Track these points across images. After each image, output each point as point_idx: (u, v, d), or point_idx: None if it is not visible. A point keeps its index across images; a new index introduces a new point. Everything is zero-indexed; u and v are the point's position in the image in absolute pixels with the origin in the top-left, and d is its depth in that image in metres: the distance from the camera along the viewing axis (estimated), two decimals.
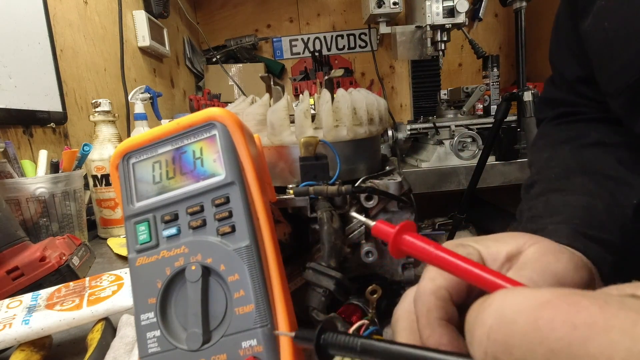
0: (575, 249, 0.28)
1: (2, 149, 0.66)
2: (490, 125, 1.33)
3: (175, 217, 0.28)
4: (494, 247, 0.25)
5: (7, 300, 0.40)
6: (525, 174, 1.43)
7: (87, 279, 0.44)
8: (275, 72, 2.28)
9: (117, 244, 0.74)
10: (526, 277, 0.22)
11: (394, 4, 1.72)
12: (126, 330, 0.38)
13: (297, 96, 2.08)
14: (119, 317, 0.40)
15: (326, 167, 0.40)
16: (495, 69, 1.63)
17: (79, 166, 0.75)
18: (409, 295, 0.27)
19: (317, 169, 0.40)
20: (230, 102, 0.61)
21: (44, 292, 0.41)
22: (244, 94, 1.79)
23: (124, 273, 0.44)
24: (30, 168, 0.71)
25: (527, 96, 1.24)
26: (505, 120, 1.26)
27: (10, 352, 0.35)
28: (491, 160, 1.37)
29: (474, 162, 1.33)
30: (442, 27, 1.53)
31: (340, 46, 2.36)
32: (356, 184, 0.40)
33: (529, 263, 0.24)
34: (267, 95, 0.49)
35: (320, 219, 0.36)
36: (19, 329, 0.35)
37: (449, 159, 1.43)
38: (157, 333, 0.26)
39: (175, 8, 1.90)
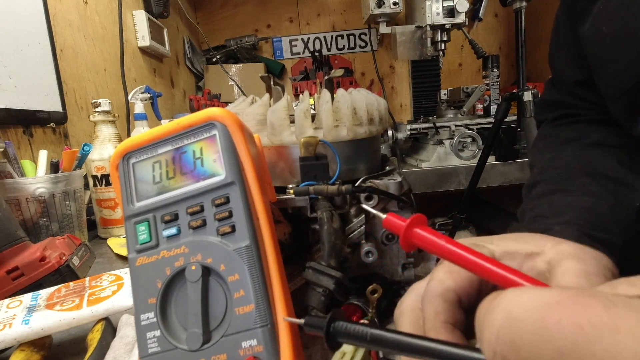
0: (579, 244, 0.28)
1: (2, 149, 0.66)
2: (490, 125, 1.33)
3: (175, 217, 0.28)
4: (512, 247, 0.25)
5: (7, 300, 0.40)
6: (525, 174, 1.43)
7: (87, 279, 0.44)
8: (275, 72, 2.28)
9: (117, 244, 0.74)
10: (575, 284, 0.21)
11: (394, 4, 1.72)
12: (126, 330, 0.38)
13: (297, 96, 2.08)
14: (119, 317, 0.40)
15: (326, 167, 0.40)
16: (495, 69, 1.63)
17: (79, 166, 0.75)
18: (415, 289, 0.26)
19: (317, 169, 0.40)
20: (230, 102, 0.61)
21: (44, 292, 0.41)
22: (244, 94, 1.80)
23: (124, 273, 0.44)
24: (30, 168, 0.71)
25: (527, 96, 1.24)
26: (505, 120, 1.26)
27: (10, 352, 0.35)
28: (491, 160, 1.37)
29: (474, 162, 1.33)
30: (442, 27, 1.53)
31: (340, 46, 2.36)
32: (356, 184, 0.40)
33: (570, 268, 0.22)
34: (267, 95, 0.49)
35: (320, 218, 0.36)
36: (19, 329, 0.35)
37: (449, 159, 1.43)
38: (157, 333, 0.26)
39: (175, 8, 1.90)
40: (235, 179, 0.27)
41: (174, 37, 1.91)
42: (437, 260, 0.25)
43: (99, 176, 0.79)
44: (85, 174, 0.80)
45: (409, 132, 1.51)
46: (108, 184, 0.79)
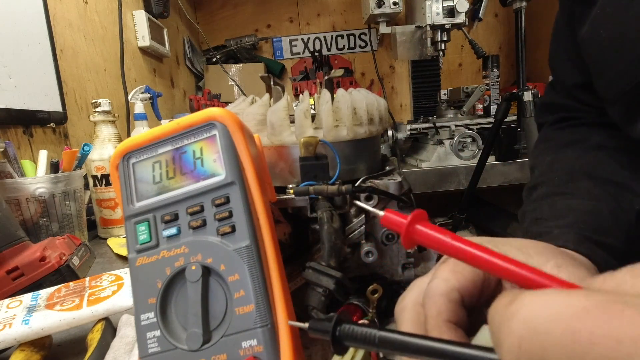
0: (581, 254, 0.28)
1: (2, 149, 0.66)
2: (490, 125, 1.33)
3: (176, 217, 0.28)
4: (515, 256, 0.24)
5: (7, 300, 0.40)
6: (525, 174, 1.44)
7: (87, 279, 0.44)
8: (275, 72, 2.28)
9: (117, 244, 0.74)
10: None
11: (394, 4, 1.72)
12: (126, 330, 0.38)
13: (297, 96, 2.08)
14: (119, 317, 0.40)
15: (326, 167, 0.40)
16: (495, 69, 1.63)
17: (79, 166, 0.75)
18: (417, 285, 0.26)
19: (317, 169, 0.40)
20: (230, 102, 0.61)
21: (44, 292, 0.41)
22: (244, 94, 1.80)
23: (124, 273, 0.44)
24: (30, 168, 0.70)
25: (527, 96, 1.24)
26: (505, 120, 1.26)
27: (10, 352, 0.35)
28: (491, 160, 1.37)
29: (474, 162, 1.33)
30: (442, 27, 1.53)
31: (340, 46, 2.35)
32: (356, 184, 0.40)
33: None
34: (267, 95, 0.49)
35: (320, 218, 0.36)
36: (19, 329, 0.35)
37: (449, 159, 1.43)
38: (157, 333, 0.26)
39: (175, 8, 1.90)
40: (235, 179, 0.27)
41: (174, 37, 1.91)
42: (438, 258, 0.25)
43: (99, 176, 0.79)
44: (85, 174, 0.80)
45: (409, 132, 1.51)
46: (108, 184, 0.79)
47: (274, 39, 2.33)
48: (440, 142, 1.43)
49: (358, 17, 2.20)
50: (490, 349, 0.15)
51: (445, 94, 1.65)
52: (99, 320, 0.39)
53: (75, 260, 0.53)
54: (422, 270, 0.47)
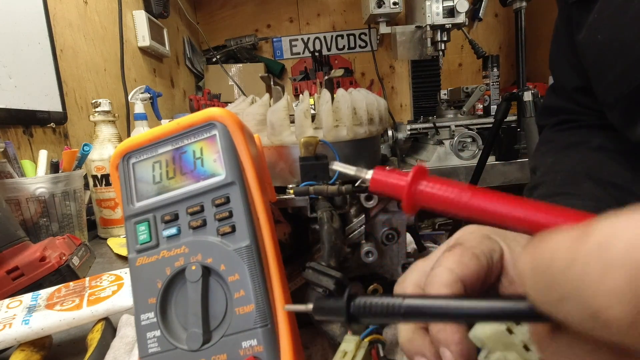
0: None
1: (2, 149, 0.66)
2: (490, 125, 1.33)
3: (176, 217, 0.28)
4: (519, 251, 0.25)
5: (7, 300, 0.40)
6: (525, 174, 1.44)
7: (87, 279, 0.44)
8: (275, 72, 2.28)
9: (117, 244, 0.74)
10: None
11: (394, 4, 1.72)
12: (126, 330, 0.38)
13: (297, 96, 2.08)
14: (119, 317, 0.40)
15: (326, 167, 0.40)
16: (495, 69, 1.63)
17: (79, 166, 0.75)
18: (418, 267, 0.27)
19: (317, 169, 0.40)
20: (230, 102, 0.61)
21: (44, 292, 0.41)
22: (244, 94, 1.80)
23: (124, 273, 0.44)
24: (30, 168, 0.70)
25: (527, 96, 1.24)
26: (505, 120, 1.26)
27: (10, 352, 0.35)
28: (491, 160, 1.37)
29: (474, 162, 1.33)
30: (442, 27, 1.52)
31: (340, 46, 2.35)
32: (356, 184, 0.40)
33: None
34: (267, 95, 0.49)
35: (320, 218, 0.36)
36: (19, 329, 0.35)
37: (449, 159, 1.43)
38: (157, 333, 0.26)
39: (175, 8, 1.90)
40: (235, 179, 0.27)
41: (174, 37, 1.91)
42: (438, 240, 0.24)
43: (99, 176, 0.79)
44: (85, 174, 0.80)
45: (409, 132, 1.51)
46: (108, 184, 0.79)
47: (274, 39, 2.33)
48: (440, 142, 1.43)
49: (358, 17, 2.20)
50: (522, 297, 0.14)
51: (445, 94, 1.65)
52: (99, 320, 0.39)
53: (75, 260, 0.53)
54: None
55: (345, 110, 0.43)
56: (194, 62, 2.13)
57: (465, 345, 0.21)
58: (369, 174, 0.18)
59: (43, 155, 0.71)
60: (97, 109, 0.80)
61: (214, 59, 2.16)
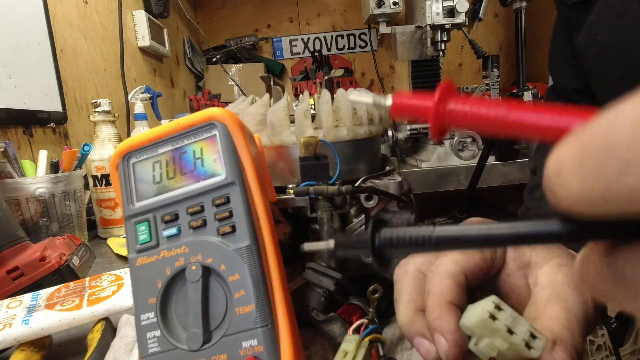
0: (577, 252, 0.29)
1: (2, 149, 0.66)
2: None
3: (176, 217, 0.28)
4: (521, 247, 0.26)
5: (7, 300, 0.40)
6: (525, 174, 1.44)
7: (87, 279, 0.44)
8: (275, 72, 2.28)
9: (117, 244, 0.74)
10: (569, 326, 0.22)
11: (394, 4, 1.72)
12: (126, 330, 0.38)
13: (297, 96, 2.08)
14: (119, 317, 0.40)
15: (326, 167, 0.40)
16: (495, 69, 1.63)
17: (79, 166, 0.75)
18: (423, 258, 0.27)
19: (317, 169, 0.40)
20: (230, 102, 0.61)
21: (44, 292, 0.41)
22: (244, 94, 1.80)
23: (124, 273, 0.44)
24: (30, 168, 0.70)
25: (527, 96, 1.24)
26: None
27: (10, 352, 0.35)
28: (491, 160, 1.37)
29: (474, 162, 1.33)
30: (442, 27, 1.52)
31: (340, 46, 2.35)
32: (356, 184, 0.40)
33: (566, 301, 0.23)
34: (267, 95, 0.49)
35: (321, 219, 0.36)
36: (19, 329, 0.35)
37: (449, 159, 1.43)
38: (158, 333, 0.26)
39: (175, 8, 1.90)
40: (235, 179, 0.27)
41: (174, 37, 1.91)
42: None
43: (99, 176, 0.79)
44: (85, 174, 0.80)
45: (409, 132, 1.51)
46: (108, 184, 0.79)
47: (274, 39, 2.33)
48: (440, 142, 1.43)
49: (358, 17, 2.20)
50: (558, 216, 0.12)
51: None
52: (99, 320, 0.39)
53: (75, 260, 0.53)
54: None
55: (345, 110, 0.43)
56: (194, 62, 2.13)
57: (459, 334, 0.22)
58: (388, 100, 0.17)
59: (43, 155, 0.71)
60: (97, 109, 0.80)
61: (214, 59, 2.16)
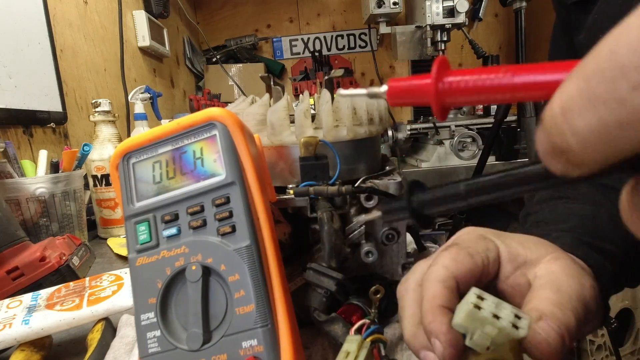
0: (575, 256, 0.29)
1: (2, 149, 0.66)
2: (490, 125, 1.33)
3: (176, 217, 0.28)
4: (515, 248, 0.27)
5: (7, 300, 0.40)
6: None
7: (87, 279, 0.44)
8: (275, 72, 2.28)
9: (117, 244, 0.74)
10: (558, 303, 0.23)
11: (394, 4, 1.72)
12: (126, 330, 0.38)
13: (297, 96, 2.08)
14: (119, 317, 0.40)
15: (326, 167, 0.40)
16: None
17: (79, 166, 0.75)
18: (419, 268, 0.28)
19: (317, 169, 0.40)
20: (230, 102, 0.61)
21: (44, 292, 0.41)
22: (244, 94, 1.79)
23: (124, 273, 0.44)
24: (30, 168, 0.70)
25: None
26: (505, 120, 1.26)
27: (10, 352, 0.35)
28: (491, 160, 1.37)
29: (474, 162, 1.33)
30: (442, 27, 1.52)
31: (340, 46, 2.35)
32: (356, 184, 0.40)
33: (558, 284, 0.24)
34: (267, 95, 0.49)
35: (321, 219, 0.36)
36: (19, 329, 0.35)
37: (449, 159, 1.43)
38: (158, 333, 0.26)
39: (175, 8, 1.90)
40: (235, 179, 0.27)
41: (174, 37, 1.91)
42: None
43: (99, 176, 0.79)
44: (85, 174, 0.80)
45: (409, 132, 1.51)
46: (108, 184, 0.79)
47: (274, 39, 2.33)
48: (440, 142, 1.43)
49: (358, 17, 2.20)
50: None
51: None
52: (99, 320, 0.39)
53: (75, 260, 0.53)
54: None
55: (345, 110, 0.43)
56: (194, 62, 2.13)
57: (452, 335, 0.23)
58: (383, 88, 0.16)
59: (43, 155, 0.71)
60: (97, 109, 0.80)
61: (214, 59, 2.16)
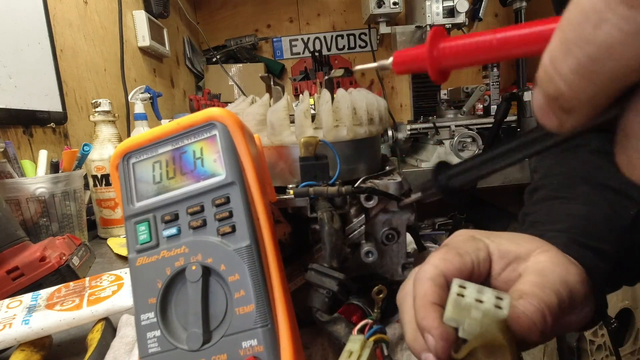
0: (570, 256, 0.29)
1: (2, 149, 0.66)
2: (490, 126, 1.33)
3: (176, 217, 0.28)
4: (505, 245, 0.28)
5: (7, 300, 0.40)
6: (525, 174, 1.44)
7: (87, 279, 0.44)
8: (275, 72, 2.28)
9: (117, 244, 0.74)
10: (540, 284, 0.25)
11: (394, 4, 1.72)
12: (126, 330, 0.38)
13: (297, 96, 2.08)
14: (119, 317, 0.40)
15: (326, 167, 0.40)
16: (495, 69, 1.63)
17: (79, 166, 0.75)
18: (415, 273, 0.29)
19: (317, 169, 0.40)
20: (230, 102, 0.61)
21: (44, 292, 0.41)
22: (244, 94, 1.79)
23: (124, 273, 0.44)
24: (30, 168, 0.70)
25: (527, 96, 1.24)
26: (505, 120, 1.26)
27: (10, 352, 0.35)
28: None
29: None
30: (442, 27, 1.53)
31: (340, 46, 2.35)
32: (356, 184, 0.40)
33: (543, 271, 0.26)
34: (267, 95, 0.49)
35: (321, 219, 0.36)
36: (19, 329, 0.35)
37: (449, 159, 1.42)
38: (158, 333, 0.26)
39: (175, 8, 1.90)
40: (235, 179, 0.27)
41: (174, 37, 1.91)
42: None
43: (99, 176, 0.79)
44: (85, 174, 0.80)
45: (409, 132, 1.51)
46: (108, 184, 0.79)
47: (274, 39, 2.33)
48: (440, 142, 1.43)
49: (358, 17, 2.20)
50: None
51: (445, 94, 1.65)
52: (99, 320, 0.39)
53: (75, 260, 0.53)
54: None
55: (345, 110, 0.43)
56: (194, 62, 2.13)
57: (443, 328, 0.23)
58: (389, 60, 0.18)
59: (43, 155, 0.71)
60: (97, 109, 0.80)
61: (214, 59, 2.16)
